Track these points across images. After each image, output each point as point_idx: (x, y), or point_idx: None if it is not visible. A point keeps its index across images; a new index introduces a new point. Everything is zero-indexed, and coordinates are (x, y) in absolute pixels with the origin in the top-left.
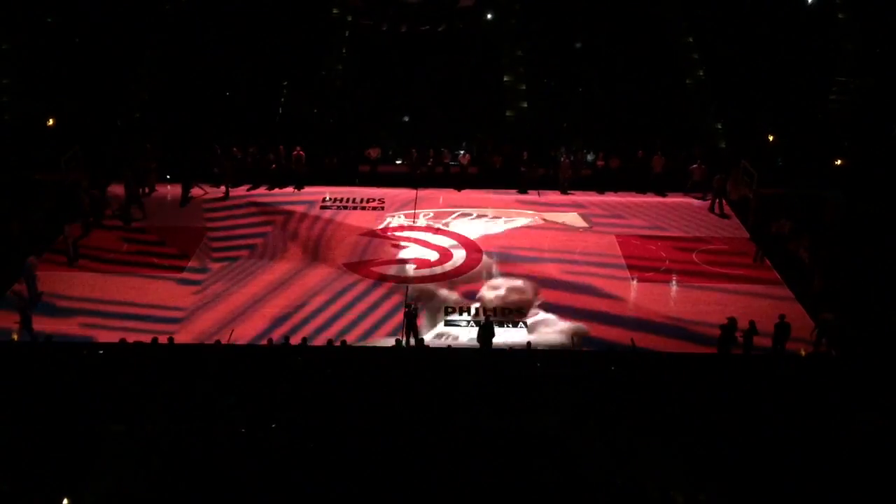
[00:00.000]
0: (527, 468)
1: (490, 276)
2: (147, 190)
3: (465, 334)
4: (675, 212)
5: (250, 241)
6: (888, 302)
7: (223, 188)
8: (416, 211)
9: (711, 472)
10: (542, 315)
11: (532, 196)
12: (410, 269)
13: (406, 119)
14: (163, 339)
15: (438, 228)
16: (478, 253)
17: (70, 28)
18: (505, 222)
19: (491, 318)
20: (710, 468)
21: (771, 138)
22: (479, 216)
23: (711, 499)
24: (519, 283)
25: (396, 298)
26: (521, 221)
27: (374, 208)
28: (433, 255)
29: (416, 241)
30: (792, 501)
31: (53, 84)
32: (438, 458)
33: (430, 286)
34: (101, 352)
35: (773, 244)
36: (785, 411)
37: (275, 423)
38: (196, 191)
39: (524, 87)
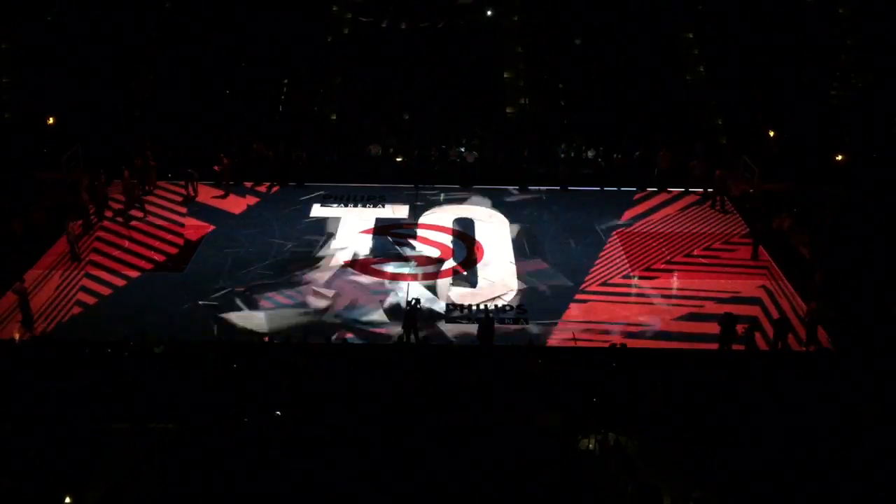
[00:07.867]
0: (527, 465)
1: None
2: (148, 188)
3: None
4: (677, 208)
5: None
6: (889, 297)
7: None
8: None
9: (710, 470)
10: None
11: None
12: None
13: (406, 116)
14: None
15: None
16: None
17: (70, 26)
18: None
19: (491, 315)
20: (708, 465)
21: (772, 134)
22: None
23: (707, 496)
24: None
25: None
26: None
27: (375, 205)
28: (434, 252)
29: (418, 238)
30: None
31: (54, 83)
32: (438, 455)
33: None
34: (109, 350)
35: (775, 240)
36: (786, 407)
37: (275, 419)
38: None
39: (524, 84)
